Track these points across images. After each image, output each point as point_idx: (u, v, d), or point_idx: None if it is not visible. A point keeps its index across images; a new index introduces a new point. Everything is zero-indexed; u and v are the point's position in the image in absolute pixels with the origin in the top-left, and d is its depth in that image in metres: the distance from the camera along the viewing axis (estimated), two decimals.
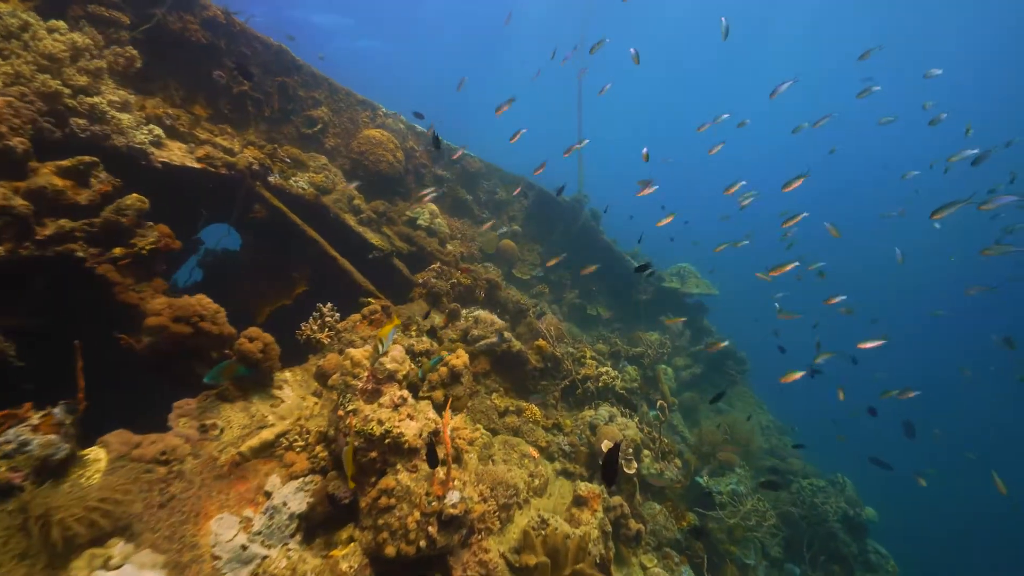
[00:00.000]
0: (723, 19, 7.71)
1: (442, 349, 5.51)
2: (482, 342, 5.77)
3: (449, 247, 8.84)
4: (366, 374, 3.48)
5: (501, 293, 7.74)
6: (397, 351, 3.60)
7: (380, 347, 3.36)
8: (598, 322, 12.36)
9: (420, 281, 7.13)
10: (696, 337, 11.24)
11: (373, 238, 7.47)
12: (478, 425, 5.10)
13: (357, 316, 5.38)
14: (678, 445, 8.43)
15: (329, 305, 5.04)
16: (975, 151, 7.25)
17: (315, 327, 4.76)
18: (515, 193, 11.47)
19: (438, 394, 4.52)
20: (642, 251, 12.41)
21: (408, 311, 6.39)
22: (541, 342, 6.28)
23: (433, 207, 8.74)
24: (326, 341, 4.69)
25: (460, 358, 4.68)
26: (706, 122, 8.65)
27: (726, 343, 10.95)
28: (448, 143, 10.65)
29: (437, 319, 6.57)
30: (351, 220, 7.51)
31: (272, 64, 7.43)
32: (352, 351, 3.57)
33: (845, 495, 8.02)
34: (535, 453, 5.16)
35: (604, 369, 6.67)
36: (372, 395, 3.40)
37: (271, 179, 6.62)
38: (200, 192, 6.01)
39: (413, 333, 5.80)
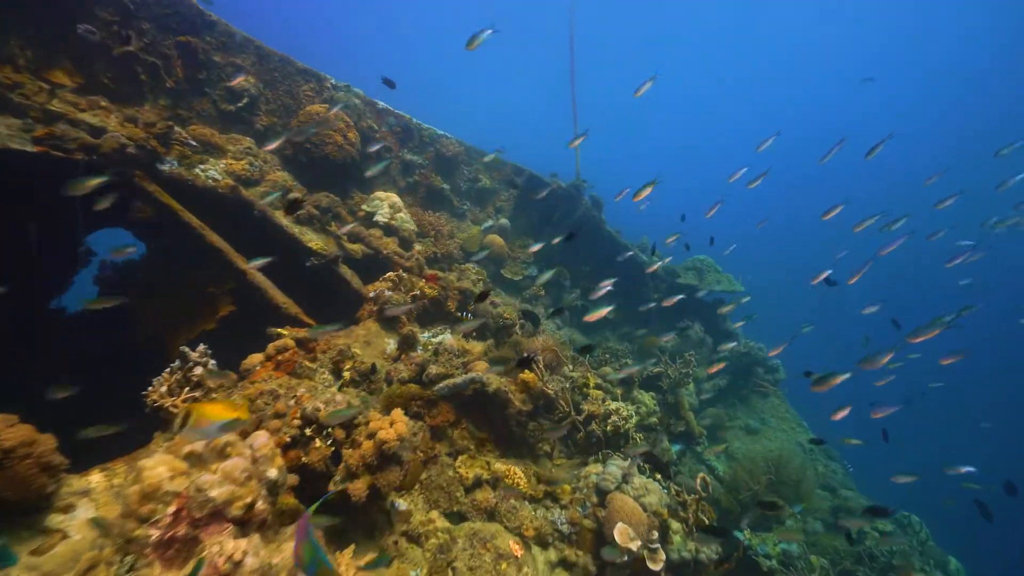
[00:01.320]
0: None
1: (373, 400, 3.87)
2: (443, 384, 4.14)
3: (417, 248, 7.18)
4: (174, 507, 1.88)
5: (481, 305, 6.09)
6: (236, 463, 1.96)
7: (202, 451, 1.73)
8: (604, 325, 10.71)
9: (371, 295, 5.50)
10: (719, 343, 9.56)
11: (312, 240, 5.82)
12: (432, 514, 3.47)
13: (258, 357, 3.75)
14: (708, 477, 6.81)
15: (201, 348, 3.40)
16: None
17: (165, 387, 3.11)
18: (496, 177, 9.77)
19: (359, 485, 2.89)
20: (656, 248, 10.72)
21: (347, 340, 4.75)
22: (528, 375, 4.63)
23: (395, 199, 7.06)
24: (177, 410, 3.05)
25: (395, 425, 3.05)
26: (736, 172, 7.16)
27: (740, 346, 9.27)
28: (419, 122, 8.95)
29: (390, 346, 4.93)
30: (284, 219, 5.87)
31: (170, 19, 5.74)
32: (146, 465, 1.95)
33: (921, 543, 6.38)
34: (518, 550, 3.54)
35: (614, 406, 5.02)
36: (180, 551, 1.80)
37: (164, 167, 4.97)
38: (50, 184, 4.37)
39: (347, 374, 4.16)
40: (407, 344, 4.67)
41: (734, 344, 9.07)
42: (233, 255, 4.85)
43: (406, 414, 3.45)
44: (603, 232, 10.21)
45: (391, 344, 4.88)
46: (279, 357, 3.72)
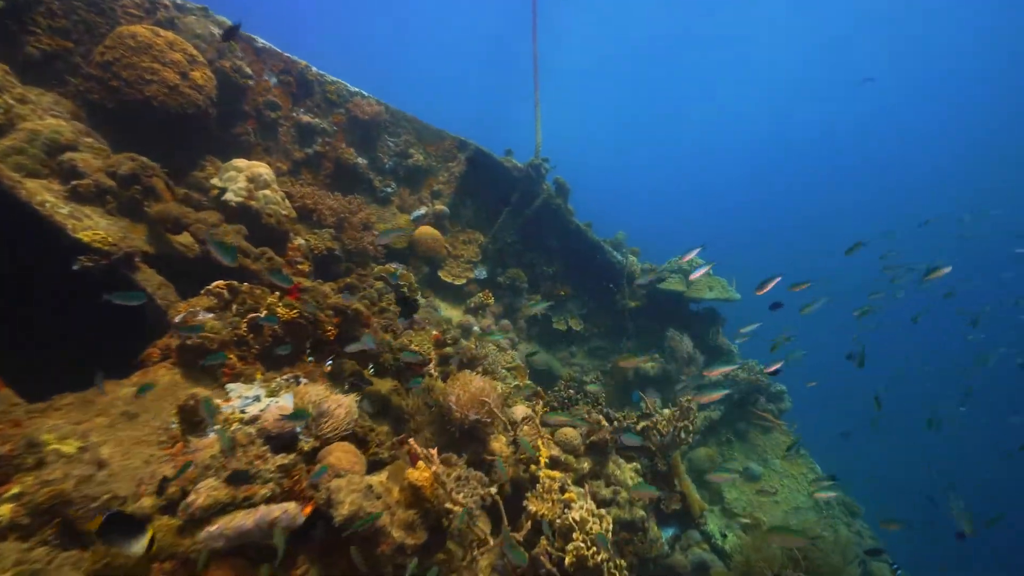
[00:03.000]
0: None
1: None
2: (216, 529, 1.95)
3: (299, 242, 4.93)
4: None
5: (380, 334, 3.93)
6: None
7: None
8: (570, 339, 8.74)
9: (177, 319, 3.26)
10: (711, 362, 7.73)
11: (91, 230, 3.51)
12: None
13: None
14: (708, 558, 4.91)
15: None
16: None
17: None
18: (433, 152, 7.60)
19: None
20: (632, 245, 8.81)
21: (78, 417, 2.51)
22: (418, 476, 2.49)
23: (262, 170, 4.78)
24: None
25: None
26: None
27: (739, 368, 7.48)
28: (321, 73, 6.66)
29: (175, 424, 2.72)
30: (42, 192, 3.54)
31: None
32: None
33: None
34: None
35: (577, 513, 2.98)
36: None
37: None
38: None
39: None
40: (189, 422, 2.47)
41: (732, 368, 7.25)
42: None
43: None
44: (569, 224, 8.21)
45: (174, 421, 2.66)
46: None
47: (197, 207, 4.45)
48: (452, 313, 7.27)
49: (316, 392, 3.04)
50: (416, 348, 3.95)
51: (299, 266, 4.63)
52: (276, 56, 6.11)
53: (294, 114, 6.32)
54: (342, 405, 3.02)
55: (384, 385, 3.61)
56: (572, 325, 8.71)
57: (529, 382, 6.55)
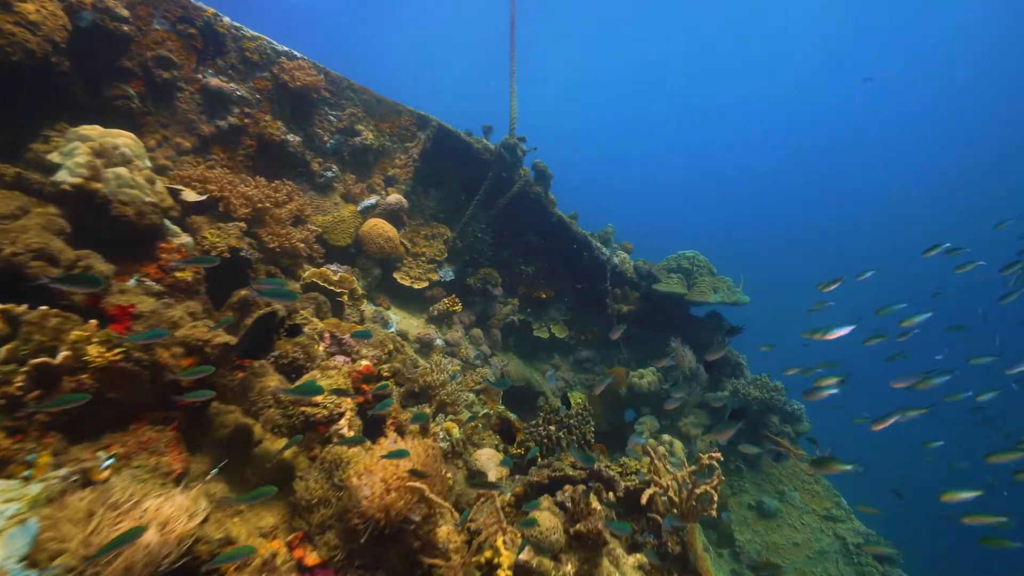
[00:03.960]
0: None
1: None
2: None
3: (179, 241, 3.62)
4: None
5: (260, 382, 2.67)
6: None
7: None
8: (553, 348, 7.59)
9: None
10: (718, 379, 6.63)
11: None
12: None
13: None
14: None
15: None
16: None
17: None
18: (387, 129, 6.31)
19: None
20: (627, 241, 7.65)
21: None
22: None
23: (119, 141, 3.45)
24: None
25: None
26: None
27: (747, 383, 6.41)
28: (236, 24, 5.31)
29: None
30: None
31: None
32: None
33: None
34: None
35: None
36: None
37: None
38: None
39: None
40: None
41: (739, 381, 6.17)
42: None
43: None
44: (550, 216, 7.00)
45: None
46: None
47: (35, 192, 3.14)
48: (411, 324, 6.03)
49: (118, 494, 1.80)
50: (329, 403, 2.71)
51: (177, 275, 3.33)
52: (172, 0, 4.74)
53: (199, 76, 4.96)
54: (164, 520, 1.78)
55: (271, 450, 2.38)
56: (555, 332, 7.55)
57: (501, 407, 5.38)
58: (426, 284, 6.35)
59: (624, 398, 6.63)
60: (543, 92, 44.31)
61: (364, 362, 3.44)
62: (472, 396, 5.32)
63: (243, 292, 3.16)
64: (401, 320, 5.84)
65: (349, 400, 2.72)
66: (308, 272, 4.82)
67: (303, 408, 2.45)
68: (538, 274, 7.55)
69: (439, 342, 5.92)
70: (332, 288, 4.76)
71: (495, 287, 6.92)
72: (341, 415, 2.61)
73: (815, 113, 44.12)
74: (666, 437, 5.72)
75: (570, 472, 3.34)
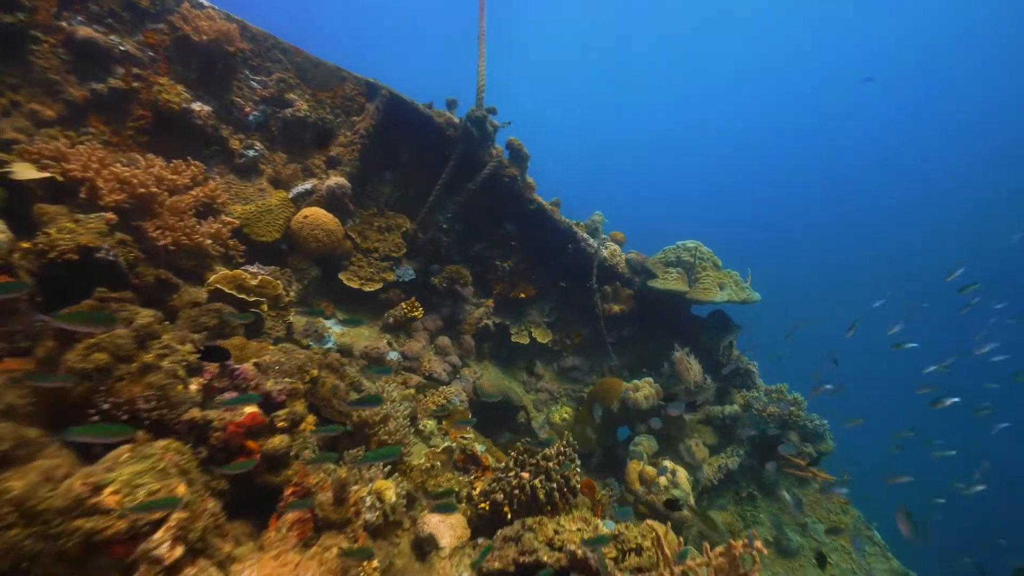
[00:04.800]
0: None
1: None
2: None
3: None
4: None
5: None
6: None
7: None
8: (535, 354, 6.61)
9: None
10: (725, 391, 5.70)
11: None
12: None
13: None
14: None
15: None
16: None
17: None
18: (329, 100, 5.22)
19: None
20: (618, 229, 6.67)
21: None
22: None
23: None
24: None
25: None
26: None
27: (761, 395, 5.49)
28: None
29: None
30: None
31: None
32: None
33: None
34: None
35: None
36: None
37: None
38: None
39: None
40: None
41: (751, 394, 5.26)
42: None
43: None
44: (528, 203, 5.99)
45: None
46: None
47: None
48: (360, 334, 5.00)
49: None
50: (147, 471, 1.68)
51: None
52: None
53: (64, 24, 3.82)
54: None
55: None
56: (537, 337, 6.57)
57: (469, 436, 4.40)
58: (380, 285, 5.31)
59: (617, 413, 5.68)
60: (527, 66, 42.79)
61: (249, 409, 2.41)
62: (432, 424, 4.33)
63: (46, 318, 2.10)
64: (345, 332, 4.79)
65: (182, 487, 1.69)
66: (216, 276, 3.75)
67: (76, 522, 1.43)
68: (516, 270, 6.54)
69: (393, 356, 4.90)
70: (246, 297, 3.71)
71: (464, 287, 5.90)
72: (161, 523, 1.58)
73: (815, 113, 43.25)
74: (667, 464, 4.79)
75: (544, 557, 2.36)
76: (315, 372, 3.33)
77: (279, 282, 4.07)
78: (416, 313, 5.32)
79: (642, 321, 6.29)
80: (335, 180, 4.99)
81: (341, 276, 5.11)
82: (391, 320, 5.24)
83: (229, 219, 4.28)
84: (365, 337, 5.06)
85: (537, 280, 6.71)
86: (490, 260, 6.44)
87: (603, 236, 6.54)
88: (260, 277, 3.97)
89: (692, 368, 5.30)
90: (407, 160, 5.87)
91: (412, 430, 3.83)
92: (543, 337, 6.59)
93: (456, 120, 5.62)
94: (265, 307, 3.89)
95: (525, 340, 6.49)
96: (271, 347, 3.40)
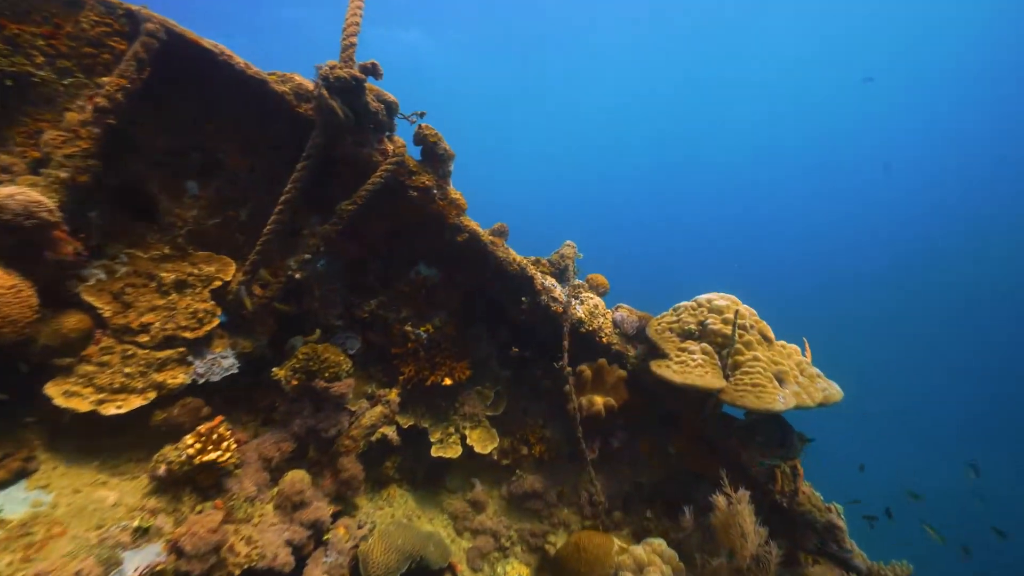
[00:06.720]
0: None
1: None
2: None
3: None
4: None
5: None
6: None
7: None
8: (471, 470, 4.11)
9: None
10: (792, 555, 3.29)
11: None
12: None
13: None
14: None
15: None
16: None
17: None
18: None
19: None
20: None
21: None
22: None
23: None
24: None
25: None
26: None
27: None
28: None
29: None
30: None
31: None
32: None
33: None
34: None
35: None
36: None
37: None
38: None
39: None
40: None
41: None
42: None
43: None
44: (451, 230, 3.51)
45: None
46: None
47: None
48: (86, 507, 2.38)
49: None
50: None
51: None
52: None
53: None
54: None
55: None
56: (475, 444, 4.06)
57: None
58: (146, 399, 2.71)
59: None
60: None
61: None
62: None
63: None
64: (37, 515, 2.17)
65: None
66: None
67: None
68: (438, 338, 4.04)
69: (136, 560, 2.29)
70: None
71: (336, 380, 3.35)
72: None
73: (813, 109, 41.95)
74: None
75: None
76: None
77: None
78: (222, 453, 2.74)
79: (642, 423, 3.87)
80: (12, 190, 2.37)
81: (49, 388, 2.50)
82: (163, 470, 2.64)
83: None
84: (97, 513, 2.45)
85: (474, 349, 4.24)
86: (394, 324, 3.92)
87: (576, 282, 4.12)
88: None
89: (745, 527, 2.88)
90: (232, 159, 3.32)
91: None
92: (484, 444, 4.08)
93: (308, 84, 3.12)
94: None
95: (454, 452, 3.97)
96: None
